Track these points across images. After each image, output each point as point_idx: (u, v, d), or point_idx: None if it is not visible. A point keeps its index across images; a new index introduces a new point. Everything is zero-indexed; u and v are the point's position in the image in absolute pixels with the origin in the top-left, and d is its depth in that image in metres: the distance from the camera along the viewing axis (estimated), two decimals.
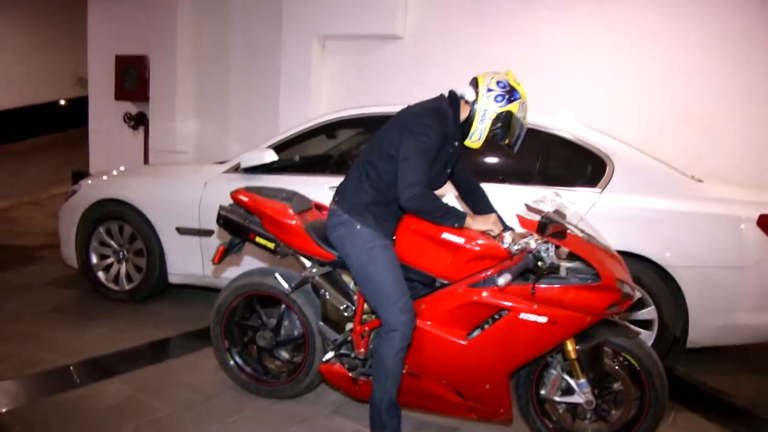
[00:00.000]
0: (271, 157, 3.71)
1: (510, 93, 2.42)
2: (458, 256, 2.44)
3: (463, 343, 2.41)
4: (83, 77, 7.89)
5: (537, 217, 2.33)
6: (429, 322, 2.46)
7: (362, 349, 2.60)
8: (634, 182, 3.34)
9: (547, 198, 2.48)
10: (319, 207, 3.04)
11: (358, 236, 2.47)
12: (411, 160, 2.32)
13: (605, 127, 3.74)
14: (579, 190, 3.35)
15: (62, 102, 12.61)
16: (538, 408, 2.55)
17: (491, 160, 3.69)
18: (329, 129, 3.92)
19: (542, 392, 2.51)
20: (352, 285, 2.74)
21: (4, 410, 2.65)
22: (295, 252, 2.77)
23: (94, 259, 4.26)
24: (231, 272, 3.83)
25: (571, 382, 2.43)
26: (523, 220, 2.42)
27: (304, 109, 5.81)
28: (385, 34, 5.63)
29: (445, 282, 2.48)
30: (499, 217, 2.58)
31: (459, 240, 2.43)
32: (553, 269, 2.32)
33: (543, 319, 2.30)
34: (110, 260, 4.26)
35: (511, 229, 2.52)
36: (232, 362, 2.93)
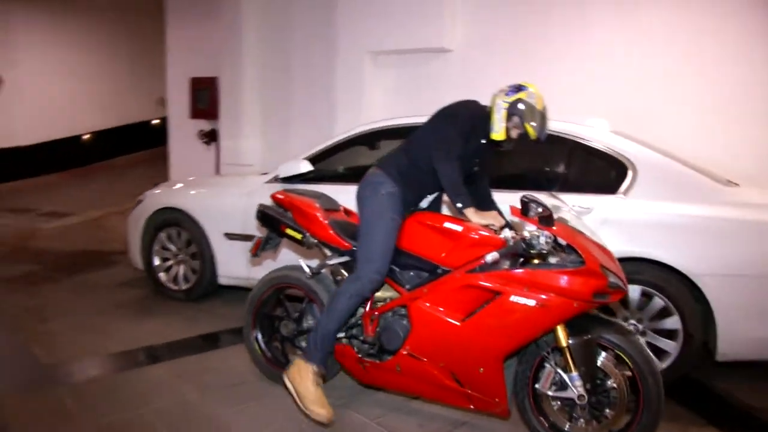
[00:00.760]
0: (306, 167, 3.98)
1: (518, 87, 2.76)
2: (457, 244, 2.63)
3: (458, 324, 2.55)
4: (164, 98, 8.60)
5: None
6: (429, 305, 2.63)
7: (370, 333, 2.81)
8: (658, 188, 3.31)
9: (543, 197, 2.59)
10: (347, 212, 3.29)
11: (378, 201, 2.80)
12: (448, 133, 2.75)
13: (658, 135, 3.73)
14: (601, 196, 3.36)
15: (154, 121, 13.72)
16: (534, 405, 2.63)
17: (511, 167, 3.77)
18: (362, 141, 4.14)
19: (537, 386, 2.59)
20: None
21: (60, 387, 3.05)
22: (319, 242, 3.04)
23: (156, 262, 4.71)
24: None
25: (564, 375, 2.50)
26: (514, 210, 2.53)
27: (357, 122, 6.09)
28: (434, 47, 5.81)
29: (446, 269, 2.66)
30: (501, 214, 2.83)
31: (458, 228, 2.65)
32: (543, 255, 2.44)
33: (531, 302, 2.40)
34: (170, 263, 4.70)
35: (510, 225, 2.67)
36: (258, 349, 3.23)
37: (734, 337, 3.10)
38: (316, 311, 3.11)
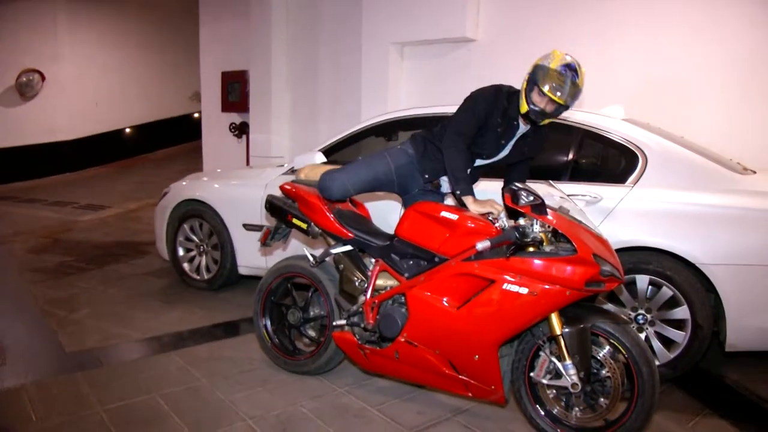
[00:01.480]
0: (320, 158, 4.06)
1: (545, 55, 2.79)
2: (453, 233, 2.70)
3: (453, 311, 2.62)
4: (198, 92, 8.87)
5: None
6: (426, 292, 2.70)
7: (371, 320, 2.91)
8: (669, 176, 3.28)
9: (539, 186, 2.62)
10: (353, 202, 3.40)
11: (390, 149, 3.20)
12: (461, 114, 2.93)
13: (681, 124, 3.71)
14: (610, 185, 3.35)
15: (195, 115, 14.11)
16: (530, 393, 2.67)
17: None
18: (376, 132, 4.22)
19: (532, 374, 2.63)
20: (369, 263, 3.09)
21: (79, 373, 3.25)
22: (323, 232, 3.15)
23: (181, 252, 4.92)
24: None
25: (558, 364, 2.53)
26: (507, 198, 2.56)
27: (384, 109, 6.16)
28: (458, 37, 5.83)
29: (443, 257, 2.72)
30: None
31: (454, 217, 2.71)
32: (537, 243, 2.47)
33: (524, 290, 2.44)
34: (193, 253, 4.90)
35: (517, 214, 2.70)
36: (266, 336, 3.36)
37: (743, 327, 3.06)
38: (321, 300, 3.22)
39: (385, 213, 3.77)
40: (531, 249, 2.52)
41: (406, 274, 2.85)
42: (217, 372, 3.27)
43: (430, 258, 2.79)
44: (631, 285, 3.27)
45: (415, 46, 6.26)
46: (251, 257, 4.53)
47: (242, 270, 4.65)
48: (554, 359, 2.56)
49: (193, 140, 13.55)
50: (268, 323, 3.38)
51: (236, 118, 8.15)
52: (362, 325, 2.96)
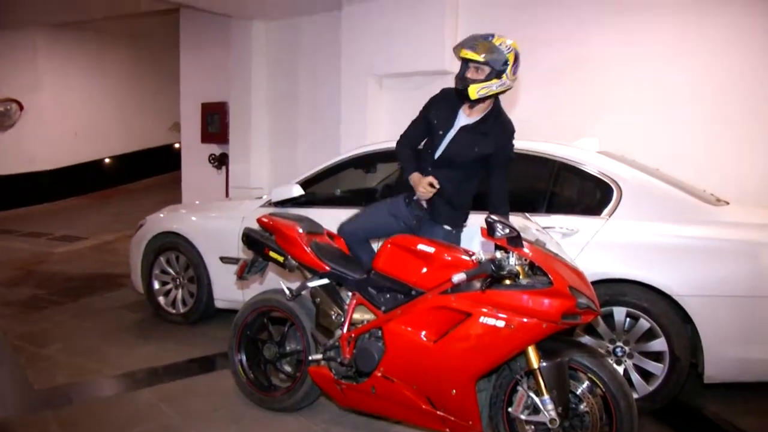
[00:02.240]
0: (298, 191, 4.08)
1: None
2: (430, 265, 2.69)
3: (430, 345, 2.59)
4: (178, 123, 8.86)
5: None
6: (402, 326, 2.68)
7: (347, 355, 2.87)
8: (643, 208, 3.32)
9: (514, 219, 2.64)
10: (330, 235, 3.38)
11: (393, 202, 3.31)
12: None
13: (655, 152, 3.94)
14: (585, 218, 3.38)
15: (176, 145, 14.06)
16: (509, 429, 2.63)
17: None
18: (354, 164, 4.22)
19: (510, 409, 2.60)
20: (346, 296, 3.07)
21: (48, 412, 3.16)
22: (299, 265, 3.12)
23: (156, 285, 4.84)
24: None
25: (536, 398, 2.51)
26: (483, 231, 2.57)
27: (363, 141, 6.19)
28: (436, 70, 5.92)
29: (420, 291, 2.71)
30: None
31: (431, 250, 2.71)
32: (513, 276, 2.47)
33: (501, 324, 2.43)
34: (169, 286, 4.83)
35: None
36: (241, 372, 3.31)
37: (721, 358, 3.08)
38: (297, 335, 3.18)
39: None
40: (507, 282, 2.52)
41: (383, 308, 2.83)
42: (191, 409, 3.20)
43: (407, 291, 2.77)
44: (609, 317, 3.27)
45: (394, 78, 6.33)
46: (228, 290, 4.48)
47: (219, 303, 4.60)
48: (532, 394, 2.53)
49: (173, 171, 13.49)
50: (244, 358, 3.32)
51: (216, 149, 8.14)
52: (339, 360, 2.92)
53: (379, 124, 6.42)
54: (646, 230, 3.24)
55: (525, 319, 2.41)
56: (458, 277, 2.48)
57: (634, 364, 3.25)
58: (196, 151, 8.32)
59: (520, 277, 2.51)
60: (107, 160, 13.30)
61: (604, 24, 5.24)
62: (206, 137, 8.10)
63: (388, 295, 2.86)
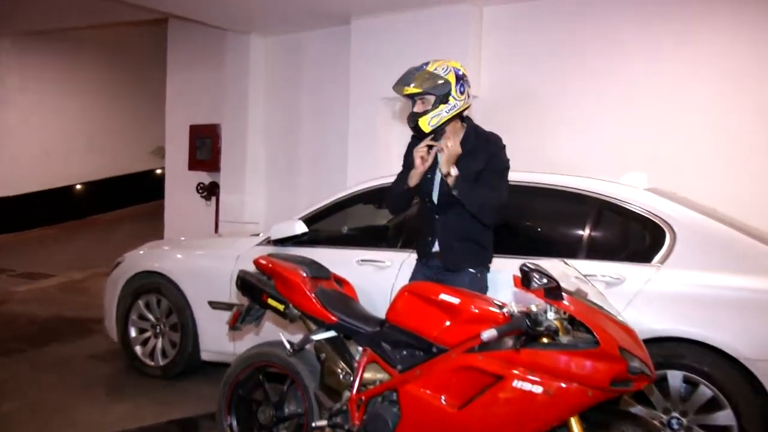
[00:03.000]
0: (301, 228, 4.05)
1: None
2: (454, 319, 2.63)
3: (454, 412, 2.52)
4: (162, 147, 8.92)
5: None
6: (421, 389, 2.61)
7: (357, 421, 2.80)
8: (702, 255, 3.28)
9: (552, 265, 2.59)
10: (338, 280, 3.35)
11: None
12: None
13: (703, 190, 3.91)
14: (632, 265, 3.33)
15: (158, 171, 14.16)
16: None
17: (528, 231, 3.80)
18: (366, 199, 4.22)
19: None
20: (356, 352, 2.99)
21: None
22: (302, 314, 3.08)
23: (133, 333, 4.81)
24: None
25: None
26: (516, 280, 2.52)
27: (373, 173, 6.20)
28: None
29: (442, 348, 2.64)
30: None
31: (455, 300, 2.64)
32: (551, 333, 2.40)
33: (538, 389, 2.35)
34: (148, 334, 4.78)
35: None
36: None
37: None
38: (299, 395, 3.11)
39: (374, 295, 3.66)
40: (545, 340, 2.45)
41: (399, 367, 2.77)
42: None
43: (426, 348, 2.71)
44: (662, 382, 3.20)
45: (408, 103, 6.35)
46: (217, 341, 4.43)
47: (205, 355, 4.54)
48: None
49: (155, 200, 13.56)
50: (234, 422, 3.26)
51: (205, 177, 8.17)
52: (346, 427, 2.85)
53: (392, 153, 6.42)
54: (706, 280, 3.18)
55: (566, 385, 2.33)
56: (488, 333, 2.40)
57: None
58: (183, 179, 8.34)
59: (560, 334, 2.45)
60: (79, 186, 13.37)
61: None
62: (194, 164, 8.13)
63: (404, 352, 2.80)
